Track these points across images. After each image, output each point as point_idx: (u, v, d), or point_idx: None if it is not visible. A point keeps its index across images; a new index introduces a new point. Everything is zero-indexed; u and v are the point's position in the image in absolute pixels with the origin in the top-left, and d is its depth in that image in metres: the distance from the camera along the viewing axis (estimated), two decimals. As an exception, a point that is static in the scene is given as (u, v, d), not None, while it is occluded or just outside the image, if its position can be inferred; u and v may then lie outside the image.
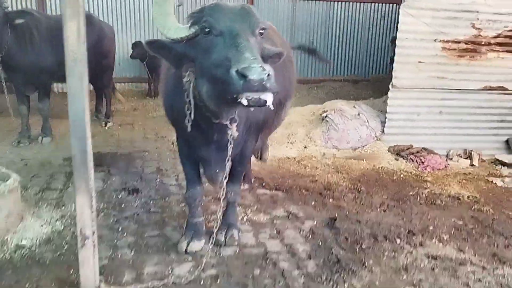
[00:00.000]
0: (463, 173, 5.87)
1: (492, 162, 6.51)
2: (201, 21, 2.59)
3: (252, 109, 2.57)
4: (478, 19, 6.31)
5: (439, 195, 4.99)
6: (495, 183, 5.59)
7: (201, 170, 3.55)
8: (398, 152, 6.21)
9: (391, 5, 11.69)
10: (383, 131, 6.55)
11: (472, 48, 6.42)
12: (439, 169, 5.89)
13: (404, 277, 3.24)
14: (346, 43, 11.84)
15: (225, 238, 3.65)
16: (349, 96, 11.12)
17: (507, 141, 6.88)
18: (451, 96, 6.54)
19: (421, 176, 5.61)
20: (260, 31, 2.62)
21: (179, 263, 3.38)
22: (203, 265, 3.22)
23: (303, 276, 3.25)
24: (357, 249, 3.65)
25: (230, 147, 2.99)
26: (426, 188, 5.17)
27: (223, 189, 3.39)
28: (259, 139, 3.77)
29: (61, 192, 4.55)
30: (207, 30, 2.55)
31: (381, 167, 5.84)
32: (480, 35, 6.39)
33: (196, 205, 3.61)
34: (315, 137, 6.43)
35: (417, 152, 6.13)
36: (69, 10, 2.24)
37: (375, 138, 6.49)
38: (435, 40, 6.30)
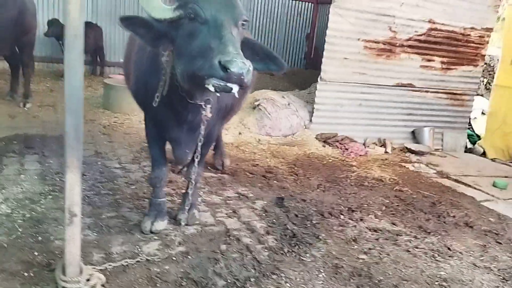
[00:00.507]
0: (380, 159, 6.59)
1: (401, 150, 7.36)
2: (187, 6, 2.61)
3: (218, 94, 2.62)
4: (394, 23, 7.06)
5: (365, 177, 5.58)
6: (408, 168, 6.37)
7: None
8: (325, 139, 6.75)
9: (307, 3, 12.37)
10: (311, 120, 7.05)
11: (388, 48, 7.18)
12: (361, 155, 6.54)
13: (356, 246, 3.67)
14: (264, 37, 12.26)
15: (187, 217, 3.76)
16: (267, 88, 11.60)
17: (413, 132, 7.82)
18: (369, 91, 7.25)
19: (347, 161, 6.19)
20: (243, 22, 2.67)
21: (145, 242, 3.44)
22: (176, 243, 3.33)
23: (266, 249, 3.51)
24: (308, 225, 4.01)
25: (203, 128, 3.03)
26: (353, 172, 5.73)
27: (187, 170, 3.51)
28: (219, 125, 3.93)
29: (-2, 175, 4.27)
30: (192, 16, 2.59)
31: (311, 153, 6.32)
32: (395, 37, 7.17)
33: (161, 186, 3.67)
34: (249, 124, 6.71)
35: (342, 139, 6.73)
36: None
37: (304, 127, 6.96)
38: (358, 39, 6.93)
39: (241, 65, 2.31)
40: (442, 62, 7.67)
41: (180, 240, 3.51)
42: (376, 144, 7.27)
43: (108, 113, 7.11)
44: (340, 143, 6.65)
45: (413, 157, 6.99)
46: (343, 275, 3.18)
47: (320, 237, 3.78)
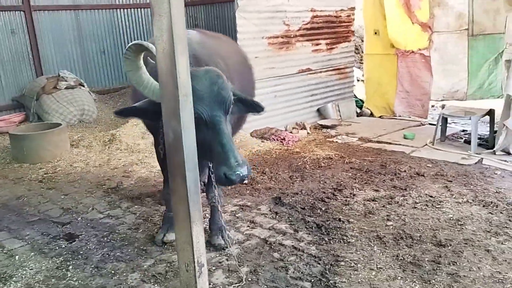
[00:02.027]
0: (311, 140, 7.33)
1: (316, 127, 8.23)
2: None
3: None
4: (286, 17, 7.77)
5: (317, 159, 6.23)
6: (337, 141, 7.23)
7: None
8: (261, 135, 7.20)
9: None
10: (240, 121, 7.40)
11: (286, 40, 7.88)
12: (295, 141, 7.17)
13: (375, 217, 4.29)
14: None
15: (224, 241, 3.91)
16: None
17: (318, 110, 8.75)
18: (279, 82, 7.89)
19: (291, 150, 6.76)
20: (230, 105, 2.94)
21: (211, 274, 3.51)
22: (237, 266, 3.49)
23: (310, 243, 3.88)
24: (320, 212, 4.48)
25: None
26: (304, 157, 6.33)
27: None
28: None
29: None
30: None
31: (257, 150, 6.73)
32: (289, 30, 7.90)
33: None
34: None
35: (275, 131, 7.26)
36: (179, 46, 2.25)
37: (236, 129, 7.28)
38: (262, 37, 7.46)
39: (242, 175, 2.77)
40: (327, 44, 8.69)
41: (236, 262, 3.67)
42: (296, 128, 7.98)
43: (28, 166, 6.42)
44: (274, 135, 7.17)
45: (331, 131, 7.90)
46: (391, 242, 3.76)
47: (340, 219, 4.28)
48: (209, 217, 4.11)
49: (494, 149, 6.20)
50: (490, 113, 6.59)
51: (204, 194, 4.04)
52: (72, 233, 4.33)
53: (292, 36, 7.95)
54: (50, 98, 9.00)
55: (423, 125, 8.41)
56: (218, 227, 3.99)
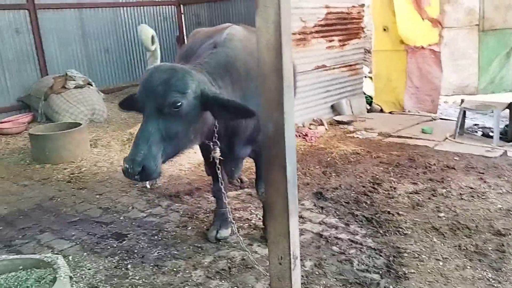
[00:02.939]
0: (332, 136, 7.37)
1: (331, 123, 8.28)
2: None
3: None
4: (303, 13, 7.79)
5: (344, 155, 6.27)
6: (358, 137, 7.28)
7: None
8: (283, 132, 7.19)
9: (170, 6, 12.32)
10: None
11: (303, 37, 7.90)
12: (317, 137, 7.20)
13: (425, 209, 4.34)
14: (138, 47, 11.86)
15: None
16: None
17: (332, 106, 8.80)
18: (298, 78, 7.88)
19: (316, 146, 6.79)
20: (174, 106, 2.73)
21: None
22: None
23: (366, 236, 3.91)
24: (365, 206, 4.52)
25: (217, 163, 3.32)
26: (331, 153, 6.37)
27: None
28: None
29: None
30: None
31: (281, 147, 6.71)
32: (305, 26, 7.92)
33: (223, 197, 3.80)
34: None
35: (297, 128, 7.27)
36: (285, 37, 2.24)
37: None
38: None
39: (128, 167, 2.62)
40: (339, 40, 8.74)
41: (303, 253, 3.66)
42: (314, 124, 8.01)
43: (50, 166, 6.30)
44: (296, 132, 7.18)
45: (349, 127, 7.95)
46: (448, 233, 3.82)
47: (389, 211, 4.32)
48: (262, 212, 4.10)
49: (516, 141, 6.33)
50: (510, 106, 6.72)
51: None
52: (119, 233, 4.28)
53: (308, 32, 7.97)
54: (59, 98, 8.84)
55: (434, 120, 8.53)
56: (273, 222, 3.98)
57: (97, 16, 10.90)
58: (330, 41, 8.52)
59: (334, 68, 8.72)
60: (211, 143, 3.20)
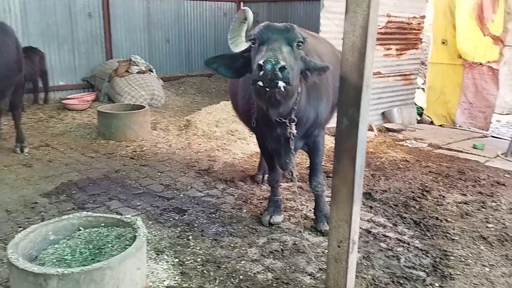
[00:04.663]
0: (381, 142, 7.51)
1: (380, 130, 8.40)
2: (252, 36, 3.22)
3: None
4: (364, 20, 7.94)
5: (394, 161, 6.41)
6: (407, 145, 7.39)
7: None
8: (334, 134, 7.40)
9: (230, 3, 12.73)
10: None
11: (362, 43, 8.05)
12: (368, 142, 7.35)
13: (473, 219, 4.47)
14: (197, 40, 12.34)
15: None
16: (211, 89, 11.87)
17: (383, 113, 8.92)
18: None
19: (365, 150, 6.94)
20: (298, 43, 3.17)
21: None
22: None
23: (413, 238, 4.09)
24: (414, 210, 4.68)
25: (292, 142, 3.58)
26: (381, 158, 6.53)
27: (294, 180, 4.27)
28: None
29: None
30: (254, 41, 3.20)
31: (331, 147, 6.93)
32: (365, 33, 8.07)
33: (277, 185, 4.08)
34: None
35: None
36: (370, 42, 2.50)
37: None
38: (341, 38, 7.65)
39: (273, 63, 2.82)
40: (397, 49, 8.85)
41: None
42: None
43: (114, 143, 6.78)
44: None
45: (398, 135, 8.06)
46: (496, 243, 3.94)
47: (437, 217, 4.47)
48: (314, 204, 4.33)
49: None
50: None
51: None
52: (180, 208, 4.64)
53: (367, 39, 8.12)
54: (122, 81, 9.39)
55: (486, 137, 8.48)
56: (324, 214, 4.23)
57: (163, 7, 11.44)
58: (388, 49, 8.65)
59: (388, 76, 8.84)
60: (287, 120, 3.46)
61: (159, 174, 5.61)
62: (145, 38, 11.27)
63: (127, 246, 3.02)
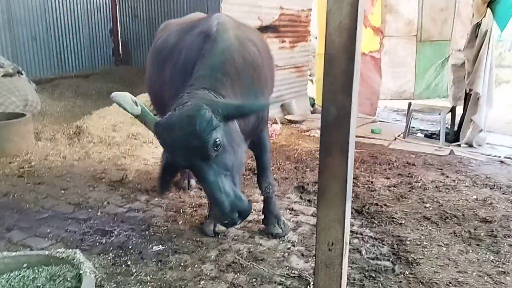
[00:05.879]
0: (289, 134, 7.47)
1: (282, 122, 8.40)
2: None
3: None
4: (261, 12, 7.82)
5: (309, 151, 6.39)
6: (313, 135, 7.46)
7: None
8: (244, 128, 7.14)
9: (104, -4, 11.67)
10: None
11: (259, 35, 7.92)
12: (277, 135, 7.26)
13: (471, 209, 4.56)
14: (69, 37, 11.05)
15: (281, 229, 3.88)
16: (91, 91, 10.73)
17: (282, 105, 8.93)
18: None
19: (278, 143, 6.83)
20: (215, 146, 2.54)
21: (306, 261, 3.47)
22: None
23: (355, 219, 4.02)
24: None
25: None
26: (296, 149, 6.45)
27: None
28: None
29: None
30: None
31: (245, 143, 6.67)
32: (262, 25, 7.96)
33: None
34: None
35: (256, 125, 7.25)
36: (359, 19, 2.23)
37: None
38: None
39: (229, 221, 2.69)
40: (290, 42, 8.93)
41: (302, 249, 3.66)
42: (268, 122, 8.05)
43: (-8, 160, 5.61)
44: (256, 129, 7.16)
45: (301, 126, 8.13)
46: (440, 222, 4.05)
47: (376, 203, 4.48)
48: (263, 206, 4.01)
49: (459, 142, 6.93)
50: (452, 110, 7.35)
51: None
52: (102, 228, 3.93)
53: (264, 31, 8.02)
54: (-15, 87, 7.90)
55: (375, 122, 9.03)
56: (274, 216, 3.93)
57: (25, 1, 9.96)
58: (282, 41, 8.67)
59: (284, 69, 8.87)
60: None
61: (62, 192, 4.74)
62: (6, 36, 9.69)
63: (71, 291, 2.36)
